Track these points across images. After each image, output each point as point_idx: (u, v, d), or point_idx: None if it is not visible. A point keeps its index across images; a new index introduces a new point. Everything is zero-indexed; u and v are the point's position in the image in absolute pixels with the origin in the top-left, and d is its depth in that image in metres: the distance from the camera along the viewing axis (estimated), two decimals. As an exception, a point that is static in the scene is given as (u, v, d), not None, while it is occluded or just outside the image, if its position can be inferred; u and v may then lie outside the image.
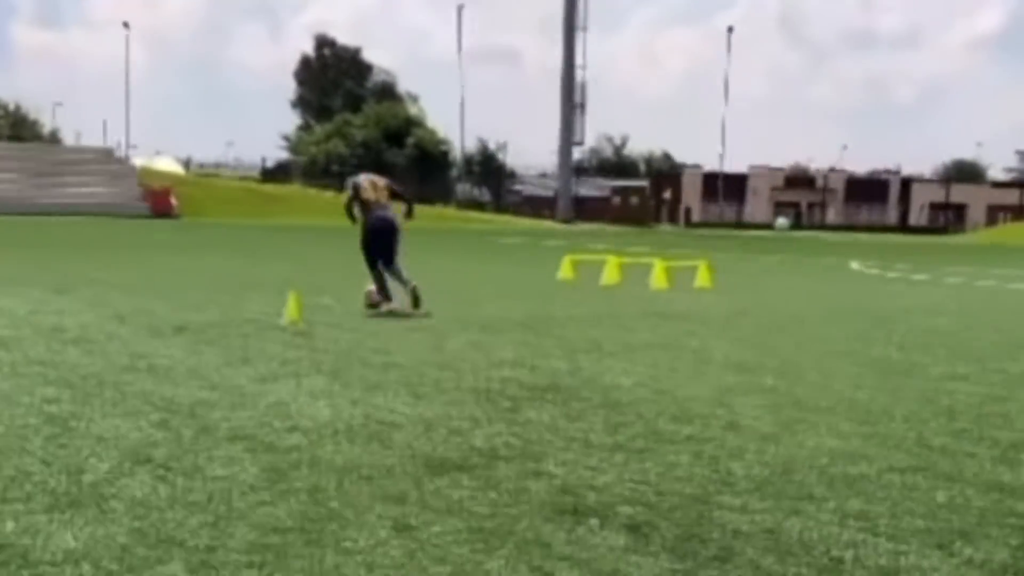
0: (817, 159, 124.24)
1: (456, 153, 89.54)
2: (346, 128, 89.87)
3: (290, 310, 11.09)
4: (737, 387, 8.04)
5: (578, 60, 66.43)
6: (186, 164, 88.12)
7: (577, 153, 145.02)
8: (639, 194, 77.48)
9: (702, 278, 17.70)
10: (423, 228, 47.85)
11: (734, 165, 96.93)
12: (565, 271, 18.85)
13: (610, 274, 18.03)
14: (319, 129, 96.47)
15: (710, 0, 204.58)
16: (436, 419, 6.56)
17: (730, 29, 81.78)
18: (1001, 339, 11.57)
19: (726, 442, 6.18)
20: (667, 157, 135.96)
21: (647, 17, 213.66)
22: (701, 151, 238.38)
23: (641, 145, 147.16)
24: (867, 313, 13.94)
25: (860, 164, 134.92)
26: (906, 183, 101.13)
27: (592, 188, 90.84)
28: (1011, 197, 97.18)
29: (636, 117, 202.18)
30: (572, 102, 65.81)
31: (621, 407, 7.13)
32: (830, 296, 16.90)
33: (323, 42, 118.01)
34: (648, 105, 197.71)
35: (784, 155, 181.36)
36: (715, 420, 6.82)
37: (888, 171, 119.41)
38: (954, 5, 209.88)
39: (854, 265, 26.30)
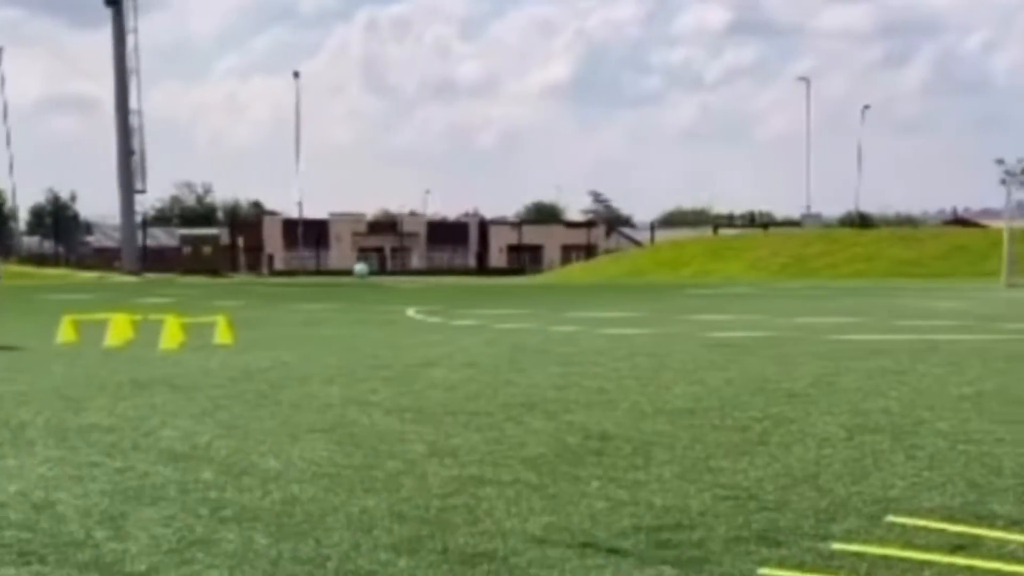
0: (408, 205, 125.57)
1: (13, 205, 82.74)
2: None
3: None
4: (135, 497, 6.16)
5: (133, 105, 62.68)
6: None
7: (157, 202, 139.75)
8: (212, 243, 74.32)
9: (222, 334, 15.79)
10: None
11: (322, 212, 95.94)
12: (66, 333, 16.33)
13: (116, 334, 15.73)
14: None
15: (294, 49, 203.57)
16: None
17: (296, 74, 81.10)
18: (517, 394, 10.39)
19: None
20: (256, 205, 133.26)
21: (232, 65, 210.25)
22: (293, 199, 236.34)
23: (230, 193, 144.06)
24: (388, 368, 12.53)
25: (449, 209, 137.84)
26: (484, 226, 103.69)
27: (168, 238, 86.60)
28: (582, 237, 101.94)
29: (225, 165, 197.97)
30: (129, 149, 61.90)
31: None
32: (361, 348, 15.41)
33: None
34: (237, 153, 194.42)
35: (375, 202, 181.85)
36: (79, 555, 4.95)
37: (468, 215, 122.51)
38: (526, 56, 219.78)
39: (411, 312, 25.20)
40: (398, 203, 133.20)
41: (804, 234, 67.13)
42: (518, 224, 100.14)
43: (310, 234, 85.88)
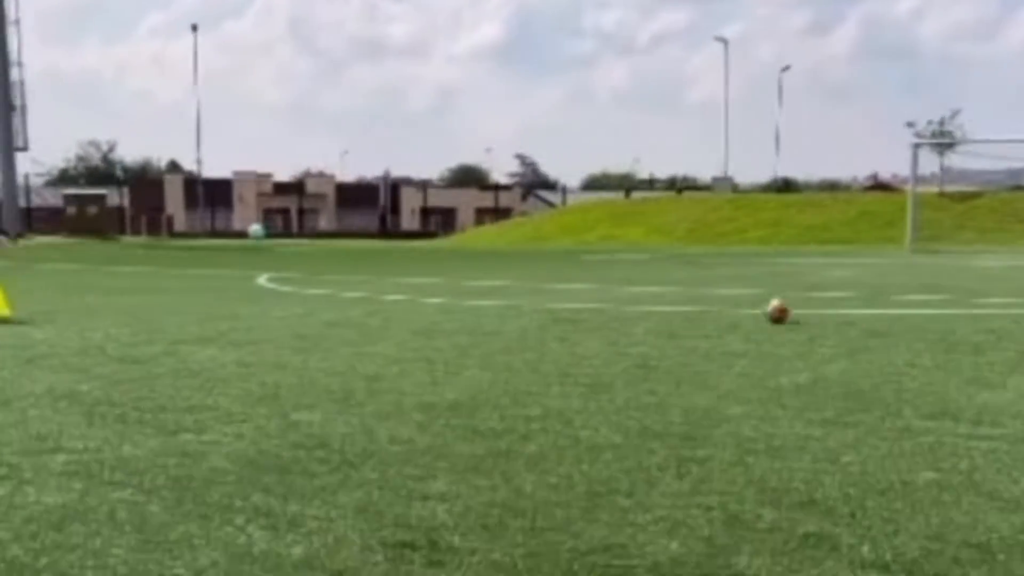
0: (337, 167, 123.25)
1: None
2: None
3: None
4: None
5: (13, 57, 59.44)
6: None
7: (62, 162, 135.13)
8: (98, 203, 71.38)
9: (-3, 305, 13.91)
10: None
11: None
12: None
13: None
14: None
15: (220, 7, 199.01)
16: None
17: (194, 28, 78.10)
18: (268, 383, 8.74)
19: None
20: (174, 164, 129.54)
21: (158, 22, 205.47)
22: (218, 159, 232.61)
23: (150, 152, 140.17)
24: (149, 346, 10.75)
25: (374, 172, 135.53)
26: (395, 188, 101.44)
27: (58, 199, 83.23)
28: (493, 200, 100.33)
29: (150, 124, 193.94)
30: (9, 104, 58.68)
31: None
32: (146, 321, 13.54)
33: None
34: (161, 112, 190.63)
35: (302, 162, 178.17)
36: None
37: (384, 177, 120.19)
38: (457, 17, 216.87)
39: (262, 279, 23.32)
40: (325, 165, 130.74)
41: (713, 199, 65.93)
42: (423, 186, 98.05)
43: (214, 194, 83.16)
